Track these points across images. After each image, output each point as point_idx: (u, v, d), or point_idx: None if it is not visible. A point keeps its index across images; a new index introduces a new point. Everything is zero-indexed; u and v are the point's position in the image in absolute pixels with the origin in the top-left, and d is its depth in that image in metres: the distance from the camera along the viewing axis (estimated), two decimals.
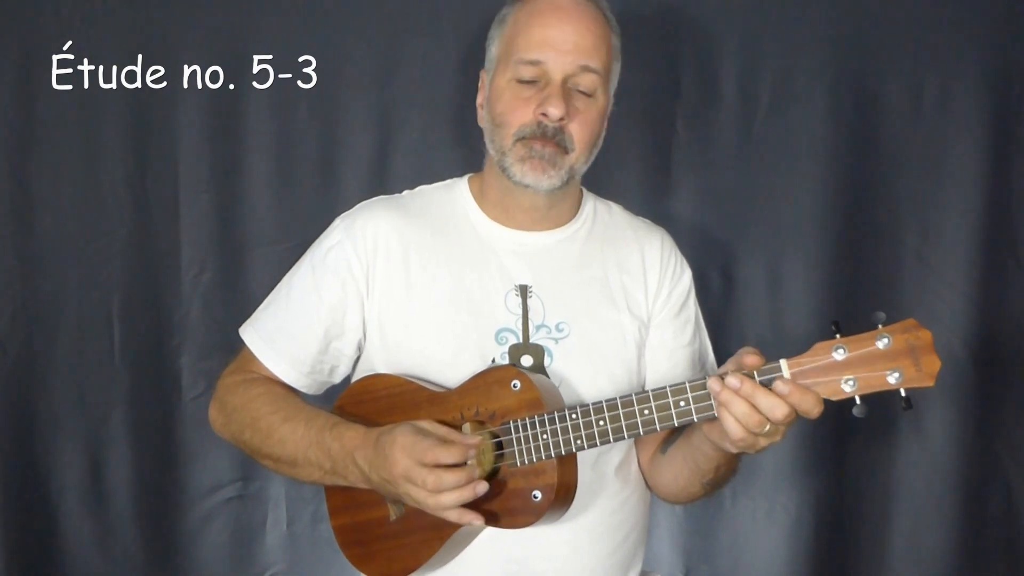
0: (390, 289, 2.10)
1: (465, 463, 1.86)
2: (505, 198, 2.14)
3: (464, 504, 1.85)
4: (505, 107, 2.05)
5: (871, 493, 2.86)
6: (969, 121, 2.79)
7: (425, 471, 1.82)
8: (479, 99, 2.17)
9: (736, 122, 2.84)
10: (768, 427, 1.75)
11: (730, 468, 2.07)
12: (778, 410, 1.73)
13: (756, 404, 1.73)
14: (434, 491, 1.83)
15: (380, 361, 2.12)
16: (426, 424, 1.92)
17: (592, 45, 2.05)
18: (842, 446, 2.84)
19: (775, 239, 2.84)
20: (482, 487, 1.85)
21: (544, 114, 2.01)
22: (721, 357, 2.28)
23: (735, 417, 1.75)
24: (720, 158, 2.84)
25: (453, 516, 1.86)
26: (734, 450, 1.85)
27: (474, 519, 1.86)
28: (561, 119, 2.02)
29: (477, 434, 1.94)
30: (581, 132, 2.05)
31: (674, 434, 2.12)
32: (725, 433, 1.78)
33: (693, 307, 2.27)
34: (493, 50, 2.12)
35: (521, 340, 2.08)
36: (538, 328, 2.08)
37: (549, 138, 2.02)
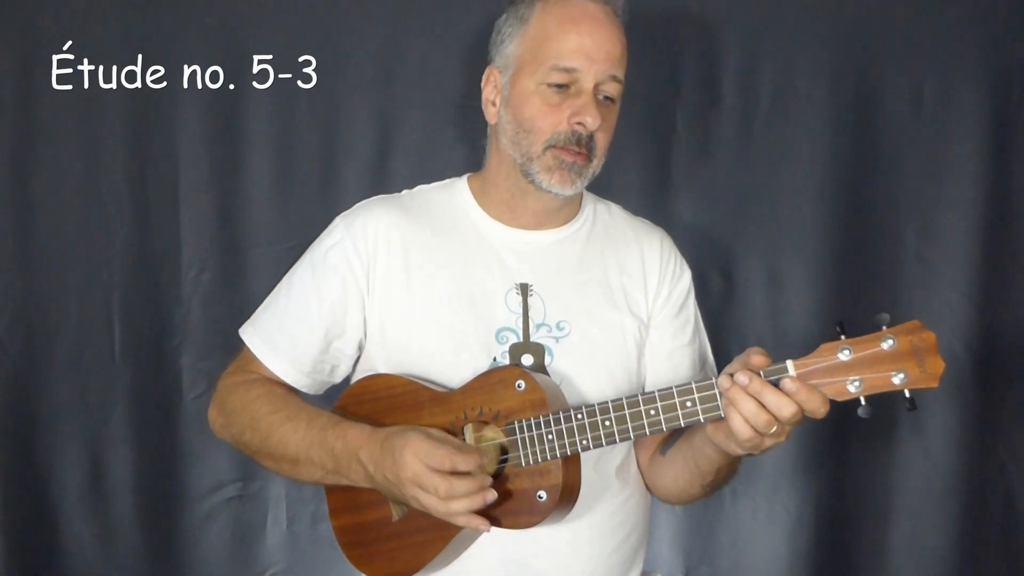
0: (390, 288, 2.10)
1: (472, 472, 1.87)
2: (514, 199, 2.14)
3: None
4: (535, 112, 2.04)
5: (871, 493, 2.86)
6: (969, 121, 2.79)
7: (438, 477, 1.83)
8: (488, 95, 2.15)
9: (736, 122, 2.84)
10: (775, 427, 1.76)
11: (730, 470, 2.07)
12: (786, 408, 1.74)
13: (764, 402, 1.74)
14: (446, 498, 1.83)
15: (381, 360, 2.12)
16: (435, 431, 1.92)
17: (620, 55, 2.06)
18: (842, 446, 2.84)
19: (775, 239, 2.84)
20: (491, 495, 1.86)
21: (580, 123, 2.02)
22: (721, 357, 2.29)
23: (743, 416, 1.75)
24: (720, 158, 2.85)
25: (462, 522, 1.87)
26: (739, 451, 1.85)
27: (482, 524, 1.87)
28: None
29: (487, 444, 1.95)
30: (604, 139, 2.08)
31: (674, 435, 2.12)
32: (731, 433, 1.79)
33: (693, 307, 2.28)
34: (511, 48, 2.09)
35: (521, 339, 2.08)
36: (539, 327, 2.09)
37: (581, 146, 2.03)
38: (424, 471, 1.84)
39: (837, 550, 2.88)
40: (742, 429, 1.76)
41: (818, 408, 1.75)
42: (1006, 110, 2.79)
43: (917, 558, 2.86)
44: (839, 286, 2.82)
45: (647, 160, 2.85)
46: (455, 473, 1.84)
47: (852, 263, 2.82)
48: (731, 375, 1.77)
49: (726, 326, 2.82)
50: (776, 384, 1.75)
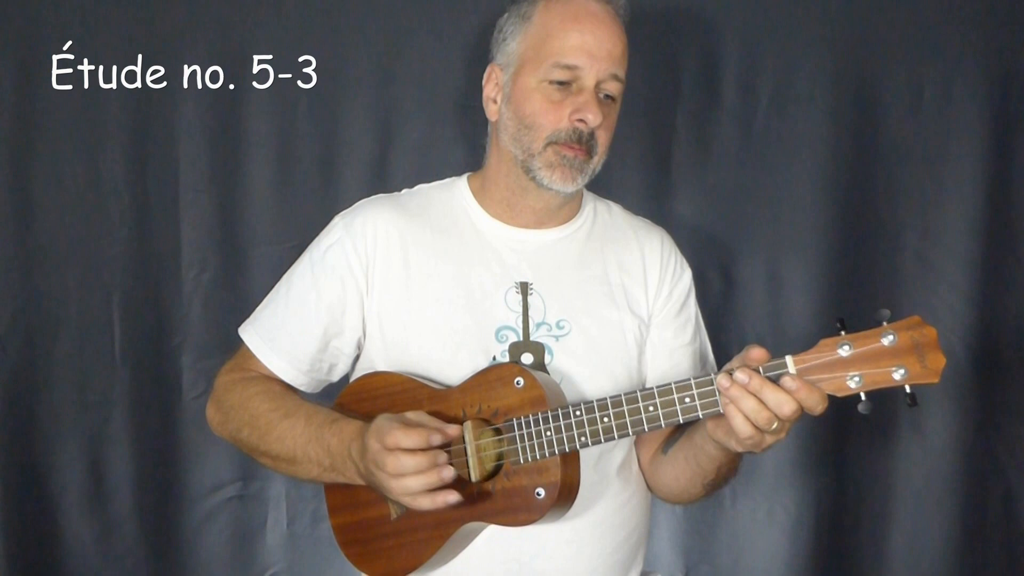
0: (390, 287, 2.10)
1: (428, 448, 1.84)
2: (514, 196, 2.14)
3: (462, 498, 1.87)
4: (536, 109, 2.05)
5: (871, 493, 2.86)
6: (969, 121, 2.79)
7: (385, 454, 1.83)
8: (489, 92, 2.16)
9: (736, 122, 2.84)
10: (776, 424, 1.76)
11: (731, 468, 2.07)
12: (786, 406, 1.74)
13: (764, 400, 1.74)
14: (393, 474, 1.83)
15: (380, 359, 2.12)
16: (411, 414, 1.92)
17: (621, 54, 2.07)
18: (842, 446, 2.84)
19: (775, 239, 2.84)
20: (448, 472, 1.84)
21: (582, 120, 2.03)
22: (721, 357, 2.29)
23: (744, 414, 1.75)
24: (720, 158, 2.85)
25: (426, 503, 1.85)
26: (740, 449, 1.85)
27: (448, 497, 1.84)
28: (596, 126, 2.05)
29: (486, 442, 1.95)
30: (605, 137, 2.08)
31: (675, 434, 2.13)
32: (732, 431, 1.79)
33: (693, 307, 2.28)
34: (514, 46, 2.11)
35: (521, 338, 2.08)
36: (538, 326, 2.09)
37: (582, 144, 2.04)
38: (378, 449, 1.84)
39: (837, 550, 2.87)
40: (743, 427, 1.76)
41: (816, 405, 1.74)
42: (1006, 110, 2.79)
43: (917, 558, 2.85)
44: (839, 286, 2.82)
45: (647, 160, 2.85)
46: (407, 451, 1.83)
47: (852, 263, 2.82)
48: (730, 373, 1.77)
49: (726, 326, 2.82)
50: (775, 381, 1.75)
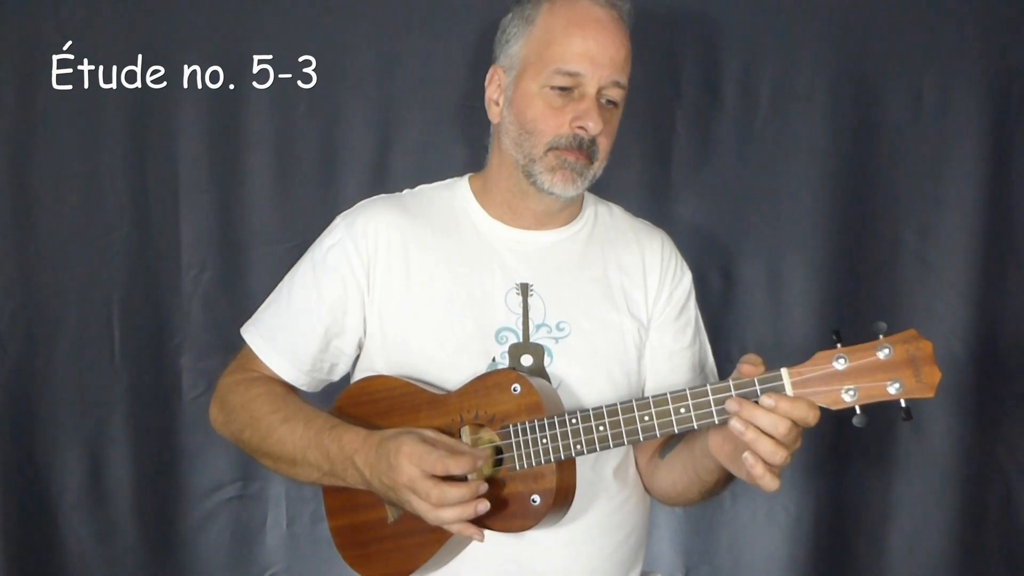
0: (390, 288, 2.11)
1: (467, 477, 1.86)
2: (515, 199, 2.14)
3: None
4: (538, 115, 2.04)
5: (871, 493, 2.86)
6: (969, 121, 2.79)
7: (430, 484, 1.82)
8: (492, 94, 2.15)
9: (736, 122, 2.84)
10: (781, 453, 1.76)
11: (729, 479, 2.06)
12: (780, 425, 1.73)
13: (758, 424, 1.74)
14: (437, 504, 1.83)
15: (380, 360, 2.12)
16: (430, 433, 1.92)
17: (624, 60, 2.06)
18: (842, 447, 2.84)
19: (775, 240, 2.84)
20: (483, 506, 1.85)
21: (582, 127, 2.02)
22: (721, 358, 2.30)
23: (759, 455, 1.76)
24: (720, 158, 2.84)
25: (454, 530, 1.87)
26: (751, 483, 1.84)
27: (475, 534, 1.87)
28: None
29: (482, 447, 1.95)
30: (606, 142, 2.08)
31: (672, 440, 2.12)
32: (750, 477, 1.80)
33: (693, 310, 2.27)
34: (516, 48, 2.09)
35: (521, 339, 2.08)
36: (538, 327, 2.09)
37: (583, 150, 2.04)
38: (418, 476, 1.83)
39: (837, 550, 2.88)
40: (763, 475, 1.77)
41: (805, 416, 1.74)
42: (1006, 110, 2.78)
43: (917, 558, 2.85)
44: (839, 286, 2.81)
45: (647, 160, 2.84)
46: (449, 478, 1.84)
47: (852, 263, 2.82)
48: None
49: (726, 327, 2.82)
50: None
